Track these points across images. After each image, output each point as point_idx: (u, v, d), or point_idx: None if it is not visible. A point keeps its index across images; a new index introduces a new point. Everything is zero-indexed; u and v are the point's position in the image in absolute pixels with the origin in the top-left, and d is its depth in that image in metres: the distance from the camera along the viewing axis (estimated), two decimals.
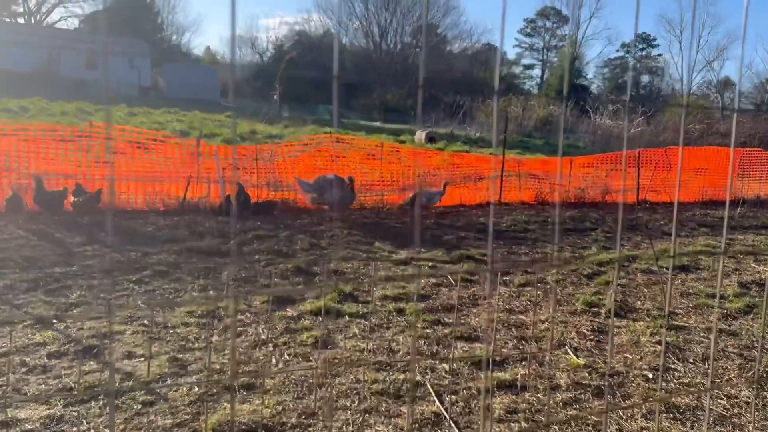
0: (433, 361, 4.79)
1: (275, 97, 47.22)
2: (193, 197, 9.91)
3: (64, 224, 8.24)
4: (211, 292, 6.18)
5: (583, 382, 4.57)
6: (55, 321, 5.13)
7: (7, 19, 57.67)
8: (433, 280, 7.01)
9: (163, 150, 11.07)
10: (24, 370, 4.25)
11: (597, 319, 5.96)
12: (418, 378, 4.48)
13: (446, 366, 4.72)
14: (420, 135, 29.07)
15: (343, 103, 51.07)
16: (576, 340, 5.40)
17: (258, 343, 4.96)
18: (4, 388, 3.99)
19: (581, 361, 4.89)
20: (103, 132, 10.90)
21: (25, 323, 5.03)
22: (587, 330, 5.68)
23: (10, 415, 3.65)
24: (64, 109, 26.36)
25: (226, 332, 5.14)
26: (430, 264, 7.73)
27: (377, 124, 40.11)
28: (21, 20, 60.46)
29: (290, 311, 5.73)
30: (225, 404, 3.93)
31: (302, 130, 28.65)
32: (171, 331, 5.06)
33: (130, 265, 6.81)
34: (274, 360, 4.68)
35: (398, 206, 11.16)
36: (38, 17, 62.90)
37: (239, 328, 5.26)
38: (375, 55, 68.03)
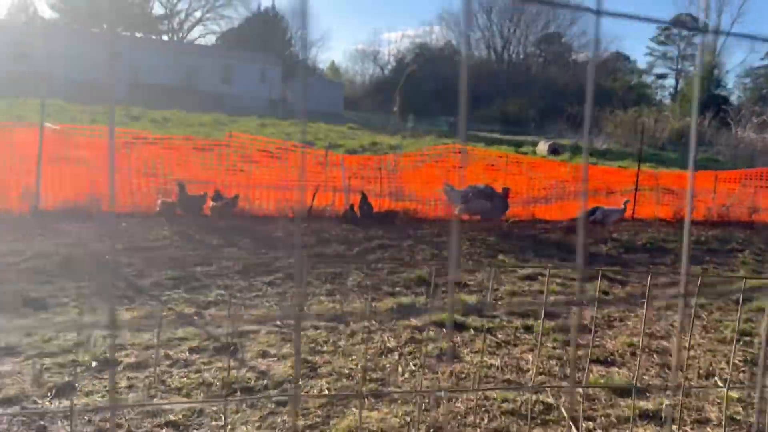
0: (566, 384, 4.54)
1: (395, 108, 47.91)
2: (319, 205, 10.20)
3: (203, 227, 8.78)
4: (337, 296, 6.28)
5: (737, 418, 4.12)
6: (195, 318, 5.43)
7: (154, 37, 63.23)
8: (562, 297, 6.69)
9: (292, 159, 11.51)
10: (168, 363, 4.51)
11: (750, 349, 5.39)
12: (551, 400, 4.25)
13: (581, 390, 4.45)
14: (542, 146, 28.24)
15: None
16: (726, 370, 4.90)
17: (384, 351, 4.96)
18: (150, 378, 4.26)
19: (734, 395, 4.42)
20: (239, 141, 11.56)
21: (169, 318, 5.37)
22: (739, 360, 5.15)
23: (155, 406, 3.87)
24: (202, 121, 28.33)
25: (353, 337, 5.19)
26: (559, 280, 7.40)
27: (496, 135, 39.50)
28: (165, 37, 66.04)
29: (414, 321, 5.69)
30: (354, 410, 3.93)
31: (422, 140, 28.81)
32: (302, 333, 5.18)
33: (263, 268, 7.10)
34: (400, 369, 4.64)
35: (568, 221, 10.73)
36: (180, 35, 68.44)
37: (365, 335, 5.28)
38: (496, 65, 67.22)
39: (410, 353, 4.95)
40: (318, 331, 5.25)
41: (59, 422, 3.65)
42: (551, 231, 10.48)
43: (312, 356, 4.75)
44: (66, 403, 3.85)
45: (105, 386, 4.09)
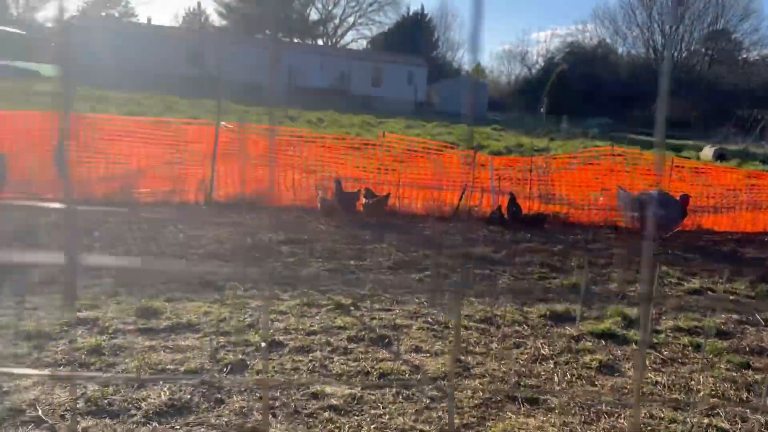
0: (743, 409, 4.14)
1: (541, 109, 46.50)
2: (466, 205, 10.18)
3: (356, 223, 9.13)
4: (486, 298, 6.23)
5: None
6: (352, 308, 5.65)
7: (310, 42, 66.72)
8: (735, 316, 6.11)
9: (440, 160, 11.59)
10: (329, 349, 4.74)
11: None
12: (725, 425, 3.90)
13: (760, 417, 4.04)
14: (708, 151, 25.97)
15: (616, 115, 48.18)
16: None
17: (538, 358, 4.83)
18: (313, 363, 4.50)
19: None
20: (391, 141, 11.86)
21: (328, 307, 5.63)
22: None
23: (318, 389, 4.08)
24: (353, 122, 29.42)
25: (504, 341, 5.12)
26: (730, 297, 6.76)
27: (654, 138, 36.88)
28: (320, 42, 69.46)
29: (569, 330, 5.48)
30: (509, 414, 3.87)
31: (570, 143, 27.72)
32: (453, 332, 5.20)
33: (413, 265, 7.22)
34: (556, 378, 4.50)
35: (742, 233, 9.89)
36: (334, 40, 71.64)
37: (517, 340, 5.19)
38: (655, 64, 62.88)
39: (566, 363, 4.78)
40: (469, 332, 5.24)
41: (234, 396, 3.97)
42: (721, 243, 9.60)
43: (464, 356, 4.76)
44: (241, 379, 4.18)
45: (274, 367, 4.39)
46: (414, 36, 61.83)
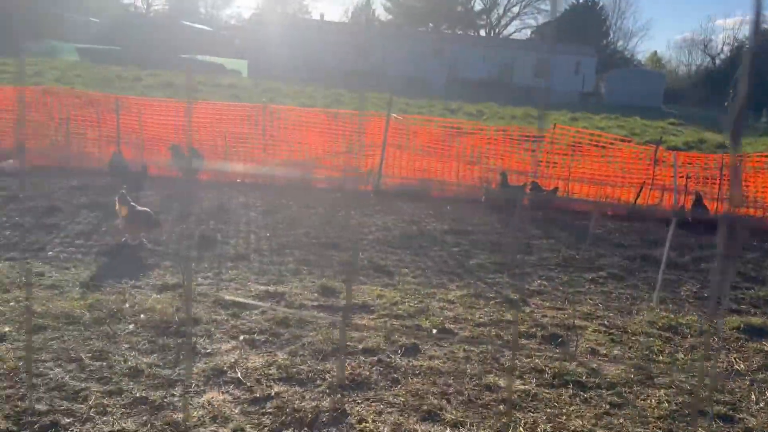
0: None
1: (727, 103, 42.13)
2: (643, 204, 9.54)
3: (522, 217, 8.94)
4: (669, 305, 5.80)
5: None
6: (521, 303, 5.56)
7: (472, 33, 66.25)
8: None
9: (613, 154, 10.96)
10: (499, 343, 4.70)
11: None
12: None
13: None
14: None
15: None
16: None
17: (731, 373, 4.41)
18: (485, 354, 4.49)
19: None
20: (553, 135, 11.43)
21: (497, 300, 5.59)
22: None
23: (492, 381, 4.07)
24: (514, 114, 28.81)
25: (691, 352, 4.73)
26: None
27: None
28: (482, 33, 68.68)
29: (767, 345, 4.93)
30: (700, 430, 3.58)
31: (762, 140, 24.86)
32: (633, 338, 4.91)
33: (584, 264, 6.93)
34: (753, 397, 4.08)
35: None
36: (497, 30, 70.47)
37: (706, 352, 4.78)
38: None
39: (765, 381, 4.31)
40: (651, 339, 4.92)
41: (409, 378, 4.08)
42: None
43: (646, 364, 4.47)
44: (414, 362, 4.29)
45: (445, 353, 4.45)
46: (584, 24, 58.93)
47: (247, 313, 4.93)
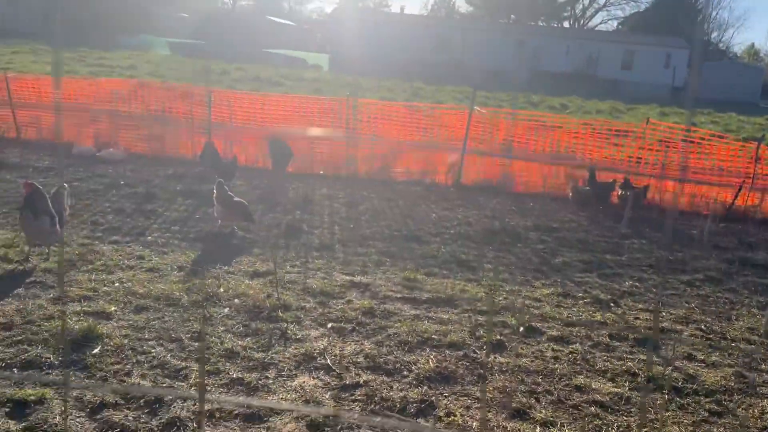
0: None
1: None
2: (742, 204, 9.01)
3: (611, 214, 8.64)
4: None
5: None
6: (612, 305, 5.38)
7: (555, 24, 64.45)
8: None
9: (708, 151, 10.38)
10: (589, 344, 4.58)
11: None
12: None
13: None
14: None
15: None
16: None
17: None
18: (574, 355, 4.39)
19: None
20: (639, 131, 10.95)
21: (585, 300, 5.44)
22: None
23: (582, 382, 3.97)
24: (599, 108, 27.83)
25: None
26: None
27: None
28: (566, 24, 66.67)
29: None
30: None
31: None
32: (732, 344, 4.67)
33: (678, 266, 6.62)
34: None
35: None
36: (581, 21, 68.22)
37: None
38: None
39: None
40: (753, 347, 4.65)
41: (496, 374, 4.05)
42: None
43: (747, 371, 4.24)
44: (500, 359, 4.25)
45: (533, 351, 4.38)
46: (674, 15, 56.09)
47: (334, 301, 5.03)
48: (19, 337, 4.00)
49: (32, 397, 3.36)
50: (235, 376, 3.78)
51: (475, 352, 4.33)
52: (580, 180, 9.35)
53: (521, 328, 4.73)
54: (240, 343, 4.20)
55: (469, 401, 3.71)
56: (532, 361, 4.24)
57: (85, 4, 38.94)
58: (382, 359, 4.11)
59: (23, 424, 3.16)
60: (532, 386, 3.91)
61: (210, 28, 47.11)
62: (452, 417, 3.53)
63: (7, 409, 3.28)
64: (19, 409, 3.29)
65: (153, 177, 8.82)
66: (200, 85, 11.43)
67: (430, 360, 4.12)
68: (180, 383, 3.66)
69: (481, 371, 4.08)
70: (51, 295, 4.67)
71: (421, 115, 11.32)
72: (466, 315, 4.95)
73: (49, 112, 10.60)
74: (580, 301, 5.42)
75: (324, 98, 12.52)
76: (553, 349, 4.43)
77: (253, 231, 6.77)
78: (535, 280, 5.93)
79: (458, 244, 6.90)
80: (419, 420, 3.50)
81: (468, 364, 4.16)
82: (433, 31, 45.31)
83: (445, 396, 3.75)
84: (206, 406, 3.43)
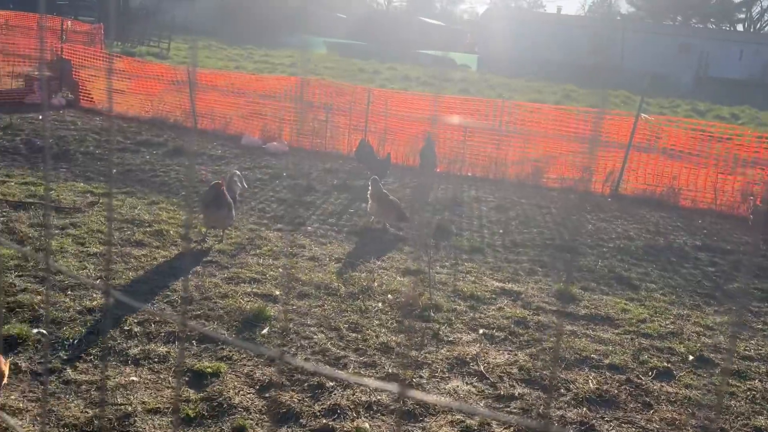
0: None
1: None
2: None
3: None
4: None
5: None
6: None
7: (726, 27, 58.93)
8: None
9: None
10: None
11: None
12: None
13: None
14: None
15: None
16: None
17: None
18: (753, 392, 3.96)
19: None
20: None
21: (764, 333, 4.90)
22: None
23: (763, 424, 3.57)
24: None
25: None
26: None
27: None
28: (740, 28, 60.69)
29: None
30: None
31: None
32: None
33: None
34: None
35: None
36: (758, 25, 61.76)
37: None
38: None
39: None
40: None
41: (663, 405, 3.75)
42: None
43: None
44: (668, 388, 3.94)
45: (704, 384, 4.01)
46: None
47: (485, 307, 4.96)
48: (198, 312, 4.37)
49: (209, 370, 3.64)
50: (390, 370, 3.84)
51: (639, 377, 4.05)
52: (758, 199, 8.45)
53: (691, 357, 4.36)
54: (394, 338, 4.27)
55: (634, 429, 3.47)
56: (704, 395, 3.89)
57: (254, 4, 41.87)
58: (537, 373, 3.97)
59: (201, 394, 3.43)
60: (705, 422, 3.58)
61: (365, 29, 48.69)
62: None
63: (187, 378, 3.59)
64: (197, 379, 3.58)
65: (312, 170, 9.26)
66: (358, 84, 11.82)
67: (589, 380, 3.92)
68: (339, 371, 3.79)
69: (647, 399, 3.81)
70: (225, 275, 5.04)
71: (575, 119, 10.83)
72: (628, 337, 4.65)
73: (221, 104, 11.51)
74: (759, 334, 4.89)
75: (474, 99, 12.43)
76: (728, 384, 4.03)
77: (403, 228, 6.87)
78: (706, 306, 5.45)
79: (617, 259, 6.51)
80: None
81: (631, 389, 3.90)
82: (590, 32, 43.32)
83: (607, 420, 3.54)
84: (363, 398, 3.51)
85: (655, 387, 3.93)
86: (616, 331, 4.75)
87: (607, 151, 9.87)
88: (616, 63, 39.30)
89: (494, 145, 10.28)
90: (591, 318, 4.93)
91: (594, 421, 3.51)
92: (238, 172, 6.45)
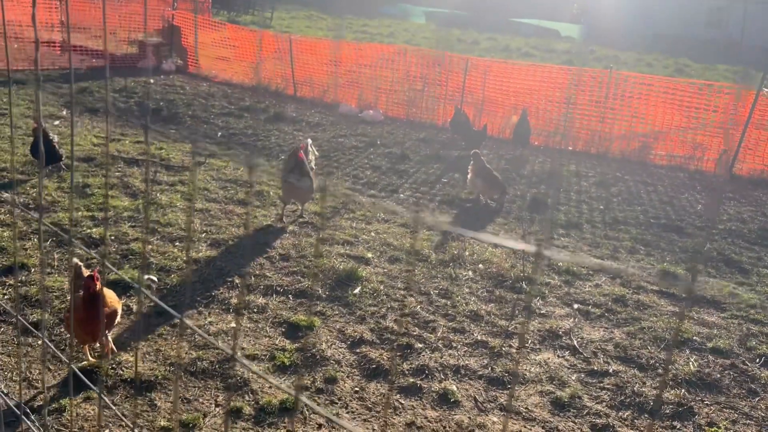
0: None
1: None
2: None
3: None
4: None
5: None
6: None
7: None
8: None
9: None
10: None
11: None
12: None
13: None
14: None
15: None
16: None
17: None
18: None
19: None
20: None
21: None
22: None
23: None
24: None
25: None
26: None
27: None
28: None
29: None
30: None
31: None
32: None
33: None
34: None
35: None
36: None
37: None
38: None
39: None
40: None
41: None
42: None
43: None
44: None
45: None
46: None
47: (581, 282, 4.81)
48: (294, 269, 4.52)
49: (303, 323, 3.78)
50: (479, 338, 3.83)
51: (744, 364, 3.80)
52: None
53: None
54: (484, 307, 4.24)
55: (736, 415, 3.28)
56: None
57: None
58: (634, 352, 3.82)
59: (296, 345, 3.57)
60: None
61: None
62: (714, 428, 3.16)
63: (283, 329, 3.74)
64: (292, 331, 3.73)
65: (406, 139, 9.26)
66: (456, 53, 11.61)
67: (690, 363, 3.73)
68: (428, 335, 3.81)
69: (752, 385, 3.58)
70: (320, 236, 5.19)
71: (687, 94, 10.12)
72: (735, 321, 4.37)
73: (321, 73, 11.70)
74: None
75: (576, 69, 11.87)
76: None
77: (496, 200, 6.75)
78: None
79: (728, 242, 6.10)
80: (675, 423, 3.19)
81: (735, 374, 3.68)
82: (709, 5, 40.21)
83: (707, 404, 3.36)
84: (452, 361, 3.53)
85: (762, 374, 3.68)
86: (723, 315, 4.47)
87: (720, 128, 9.20)
88: (735, 37, 36.35)
89: (598, 118, 9.83)
90: (695, 300, 4.67)
91: (693, 403, 3.34)
92: (309, 140, 6.18)
